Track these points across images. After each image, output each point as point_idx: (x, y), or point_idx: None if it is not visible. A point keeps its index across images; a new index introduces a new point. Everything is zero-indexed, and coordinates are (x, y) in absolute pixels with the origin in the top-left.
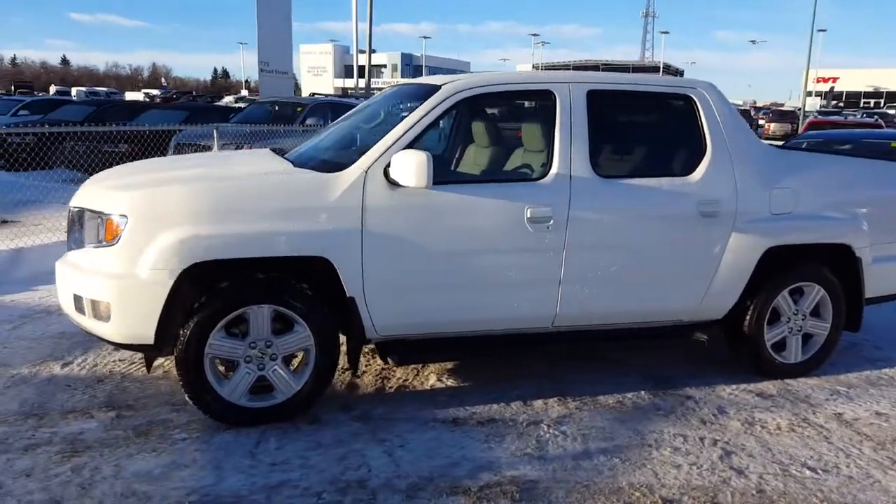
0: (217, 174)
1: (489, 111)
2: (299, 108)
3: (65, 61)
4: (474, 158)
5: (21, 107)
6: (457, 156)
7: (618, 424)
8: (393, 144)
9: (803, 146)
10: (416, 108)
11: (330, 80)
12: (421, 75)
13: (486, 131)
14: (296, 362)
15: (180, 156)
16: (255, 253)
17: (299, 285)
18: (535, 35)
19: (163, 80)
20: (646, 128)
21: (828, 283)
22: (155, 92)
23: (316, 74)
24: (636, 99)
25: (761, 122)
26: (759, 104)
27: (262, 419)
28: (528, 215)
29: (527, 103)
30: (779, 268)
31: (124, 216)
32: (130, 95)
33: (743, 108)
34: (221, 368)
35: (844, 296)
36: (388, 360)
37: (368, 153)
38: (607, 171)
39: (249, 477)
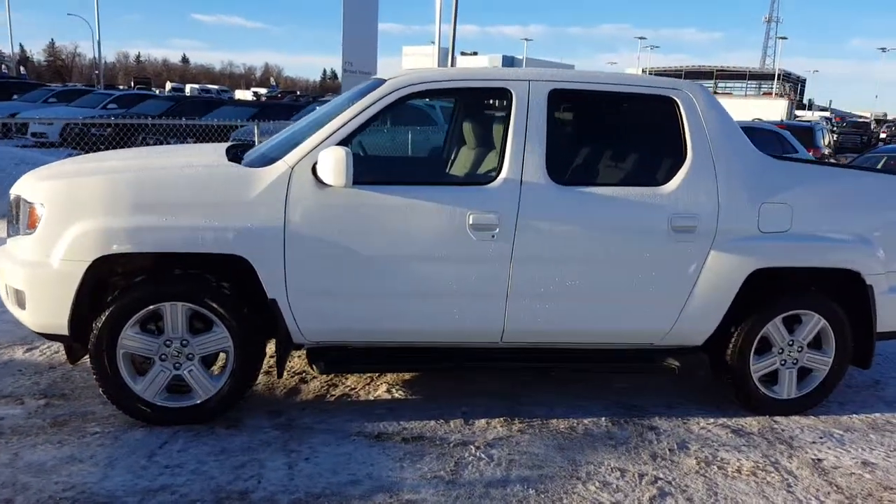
0: (140, 166)
1: (441, 108)
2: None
3: (185, 59)
4: (421, 157)
5: (111, 100)
6: (404, 154)
7: (555, 452)
8: (324, 140)
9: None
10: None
11: None
12: None
13: (433, 129)
14: (218, 364)
15: (147, 147)
16: (167, 248)
17: (219, 284)
18: (642, 38)
19: (272, 79)
20: (617, 132)
21: (830, 313)
22: (263, 91)
23: None
24: (608, 100)
25: (882, 135)
26: (889, 116)
27: (177, 419)
28: (471, 222)
29: (481, 101)
30: (770, 293)
31: (43, 205)
32: (240, 94)
33: (864, 120)
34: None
35: (852, 328)
36: (314, 367)
37: (297, 149)
38: (566, 178)
39: (135, 478)
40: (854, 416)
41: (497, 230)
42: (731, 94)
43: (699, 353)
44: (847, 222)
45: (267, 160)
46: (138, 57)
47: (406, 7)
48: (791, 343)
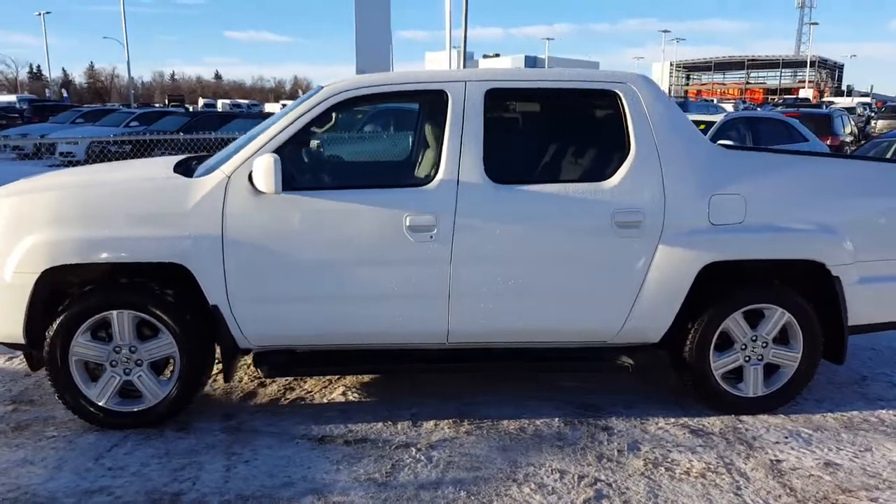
0: (87, 181)
1: (379, 112)
2: (360, 116)
3: (217, 76)
4: (358, 161)
5: (132, 118)
6: (339, 160)
7: (497, 453)
8: (260, 148)
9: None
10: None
11: None
12: None
13: (370, 133)
14: (168, 369)
15: (106, 163)
16: (110, 259)
17: (163, 292)
18: (666, 31)
19: (300, 91)
20: (557, 129)
21: (794, 306)
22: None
23: None
24: (547, 97)
25: None
26: None
27: (129, 423)
28: (408, 224)
29: (418, 104)
30: (727, 287)
31: None
32: (269, 107)
33: None
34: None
35: (823, 322)
36: (259, 371)
37: (234, 158)
38: (504, 176)
39: (79, 479)
40: (829, 414)
41: (435, 231)
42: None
43: (657, 351)
44: (808, 211)
45: (210, 170)
46: (173, 75)
47: (429, 14)
48: (754, 339)
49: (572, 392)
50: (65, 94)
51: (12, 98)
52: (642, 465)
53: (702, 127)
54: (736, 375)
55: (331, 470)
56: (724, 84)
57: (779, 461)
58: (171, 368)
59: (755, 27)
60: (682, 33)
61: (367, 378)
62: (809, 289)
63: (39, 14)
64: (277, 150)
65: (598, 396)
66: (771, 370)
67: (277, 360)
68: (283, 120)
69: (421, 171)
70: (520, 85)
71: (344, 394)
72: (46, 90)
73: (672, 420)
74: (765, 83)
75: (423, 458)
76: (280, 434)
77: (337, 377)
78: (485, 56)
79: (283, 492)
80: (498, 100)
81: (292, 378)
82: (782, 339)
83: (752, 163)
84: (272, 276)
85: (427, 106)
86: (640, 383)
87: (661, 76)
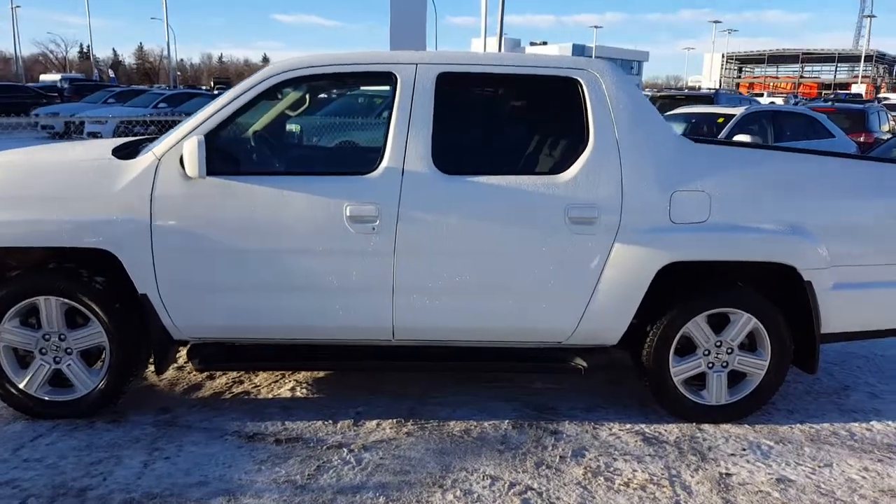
0: (19, 161)
1: (321, 95)
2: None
3: (265, 59)
4: (299, 147)
5: (161, 100)
6: (282, 144)
7: (433, 457)
8: (194, 129)
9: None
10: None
11: None
12: None
13: (314, 117)
14: (101, 359)
15: (64, 143)
16: (31, 242)
17: (91, 279)
18: (717, 22)
19: None
20: (513, 117)
21: (762, 312)
22: None
23: None
24: (503, 83)
25: None
26: None
27: (60, 413)
28: (348, 214)
29: (365, 86)
30: (689, 289)
31: None
32: None
33: None
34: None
35: (794, 329)
36: (191, 363)
37: (166, 139)
38: (454, 166)
39: None
40: (798, 425)
41: (377, 222)
42: (819, 77)
43: (615, 353)
44: (779, 211)
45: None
46: (221, 58)
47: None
48: (718, 344)
49: (537, 394)
50: (112, 75)
51: (56, 77)
52: (582, 473)
53: (720, 121)
54: (700, 382)
55: (251, 470)
56: (777, 77)
57: (729, 475)
58: (104, 358)
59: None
60: (738, 24)
61: (321, 374)
62: (781, 294)
63: None
64: (212, 132)
65: (560, 399)
66: (737, 378)
67: (210, 353)
68: (221, 100)
69: (365, 159)
70: (474, 69)
71: (292, 389)
72: (95, 70)
73: (629, 426)
74: (819, 77)
75: (352, 459)
76: (212, 430)
77: (291, 372)
78: (531, 43)
79: (193, 491)
80: (450, 85)
81: (243, 372)
82: (750, 345)
83: (721, 159)
84: (203, 265)
85: (375, 89)
86: (610, 386)
87: (710, 68)
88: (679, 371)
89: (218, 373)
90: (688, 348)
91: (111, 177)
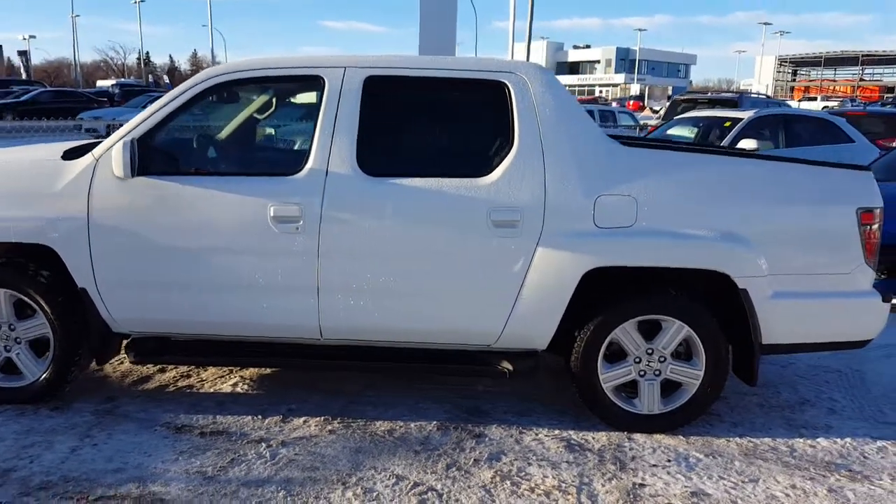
0: None
1: (253, 98)
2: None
3: None
4: (229, 149)
5: (151, 101)
6: (212, 145)
7: (347, 455)
8: (129, 132)
9: None
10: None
11: None
12: (634, 70)
13: (244, 120)
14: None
15: (34, 145)
16: None
17: (37, 272)
18: (767, 24)
19: None
20: (439, 120)
21: (695, 320)
22: None
23: None
24: (431, 87)
25: None
26: None
27: (9, 399)
28: (272, 214)
29: (295, 90)
30: (616, 295)
31: None
32: None
33: None
34: None
35: (726, 338)
36: (127, 357)
37: (106, 141)
38: (378, 168)
39: None
40: (737, 438)
41: (301, 223)
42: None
43: (540, 358)
44: (712, 217)
45: None
46: None
47: (525, 3)
48: (650, 352)
49: (475, 397)
50: (167, 80)
51: (109, 83)
52: (490, 477)
53: (727, 125)
54: (633, 390)
55: (169, 460)
56: (835, 80)
57: (642, 486)
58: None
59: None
60: (794, 27)
61: (267, 371)
62: (722, 303)
63: (135, 2)
64: (146, 134)
65: (497, 402)
66: (673, 387)
67: (145, 347)
68: (157, 104)
69: (291, 160)
70: (402, 73)
71: (235, 385)
72: (150, 76)
73: (557, 432)
74: (881, 80)
75: (267, 454)
76: (146, 420)
77: (239, 369)
78: (574, 47)
79: (108, 477)
80: (378, 88)
81: (192, 367)
82: (686, 354)
83: (651, 162)
84: (137, 261)
85: (304, 92)
86: (553, 392)
87: (760, 71)
88: (609, 378)
89: (170, 366)
90: (619, 355)
91: (53, 177)
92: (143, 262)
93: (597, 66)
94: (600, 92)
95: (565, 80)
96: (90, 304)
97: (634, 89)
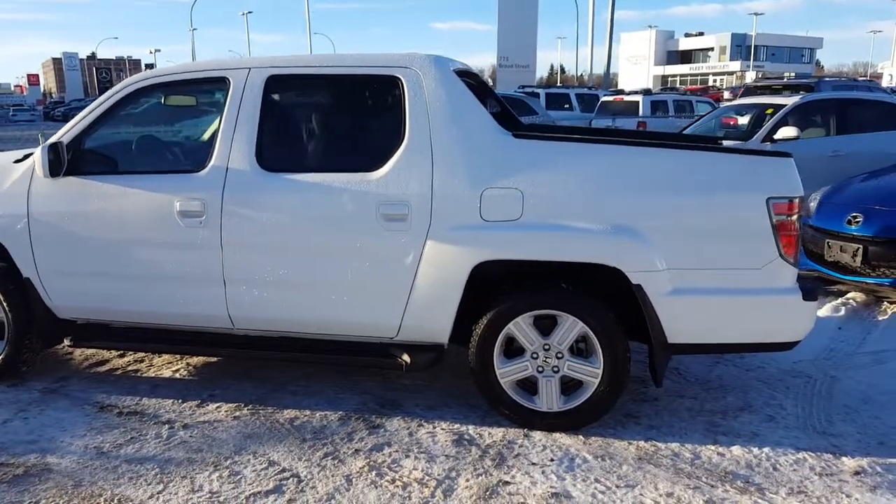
0: None
1: (171, 101)
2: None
3: None
4: (146, 149)
5: None
6: (133, 146)
7: (236, 440)
8: (63, 135)
9: None
10: None
11: (647, 67)
12: (750, 57)
13: (160, 122)
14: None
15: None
16: None
17: None
18: None
19: (487, 78)
20: (336, 117)
21: (588, 316)
22: None
23: (635, 63)
24: (329, 84)
25: None
26: None
27: None
28: (178, 209)
29: (206, 92)
30: (507, 289)
31: None
32: None
33: None
34: None
35: (625, 335)
36: (65, 340)
37: (46, 143)
38: (276, 164)
39: None
40: (642, 442)
41: (204, 217)
42: None
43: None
44: (604, 210)
45: None
46: None
47: None
48: (546, 348)
49: (395, 389)
50: None
51: None
52: (360, 467)
53: (769, 112)
54: (529, 387)
55: (77, 435)
56: None
57: (506, 483)
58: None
59: None
60: None
61: (214, 359)
62: (624, 300)
63: (243, 14)
64: (76, 138)
65: (412, 395)
66: (575, 385)
67: (80, 333)
68: (86, 109)
69: (197, 158)
70: (301, 71)
71: (176, 371)
72: None
73: (456, 426)
74: None
75: (164, 434)
76: (80, 399)
77: (191, 356)
78: (686, 35)
79: (19, 447)
80: (278, 86)
81: (145, 354)
82: (586, 351)
83: (542, 154)
84: (68, 253)
85: (212, 94)
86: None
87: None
88: (506, 373)
89: (130, 353)
90: (518, 351)
91: (4, 177)
92: (75, 254)
93: (710, 53)
94: (714, 81)
95: (676, 69)
96: (34, 292)
97: (750, 77)
